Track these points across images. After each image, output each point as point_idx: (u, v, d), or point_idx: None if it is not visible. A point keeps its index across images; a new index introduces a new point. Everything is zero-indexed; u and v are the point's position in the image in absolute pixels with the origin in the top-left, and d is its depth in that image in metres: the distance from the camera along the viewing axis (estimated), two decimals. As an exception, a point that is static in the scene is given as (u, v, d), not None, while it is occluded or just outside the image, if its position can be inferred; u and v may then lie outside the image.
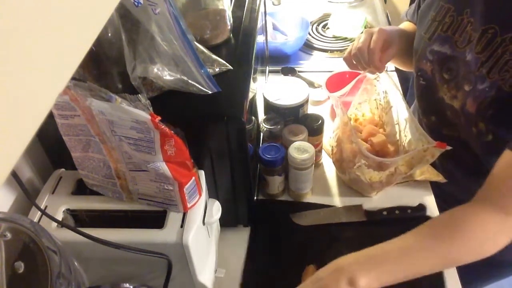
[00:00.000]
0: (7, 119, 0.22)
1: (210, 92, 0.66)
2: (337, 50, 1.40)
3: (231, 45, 0.78)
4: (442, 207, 0.92)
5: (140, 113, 0.54)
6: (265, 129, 0.90)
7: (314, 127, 0.91)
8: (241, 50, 0.77)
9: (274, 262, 0.84)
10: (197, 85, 0.66)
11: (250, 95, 0.72)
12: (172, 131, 0.56)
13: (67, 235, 0.58)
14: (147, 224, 0.65)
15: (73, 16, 0.27)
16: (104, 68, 0.67)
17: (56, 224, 0.64)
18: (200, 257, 0.67)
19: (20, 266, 0.45)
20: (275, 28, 1.39)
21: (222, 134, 0.67)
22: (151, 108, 0.55)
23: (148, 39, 0.62)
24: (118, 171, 0.64)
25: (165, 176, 0.60)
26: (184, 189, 0.62)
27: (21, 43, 0.22)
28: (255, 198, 0.89)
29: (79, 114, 0.59)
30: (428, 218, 0.88)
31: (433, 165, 0.91)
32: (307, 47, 1.42)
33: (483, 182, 0.91)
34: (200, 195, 0.66)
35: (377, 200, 0.92)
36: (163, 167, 0.59)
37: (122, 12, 0.62)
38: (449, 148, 0.78)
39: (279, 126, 0.89)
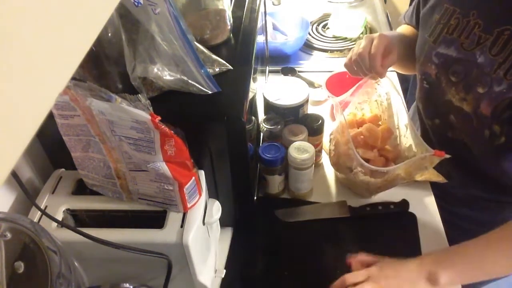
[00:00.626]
0: (7, 119, 0.22)
1: (210, 92, 0.66)
2: (337, 50, 1.40)
3: (231, 45, 0.78)
4: (442, 207, 0.92)
5: (140, 113, 0.54)
6: (265, 129, 0.90)
7: (314, 127, 0.91)
8: (241, 50, 0.77)
9: (260, 257, 0.85)
10: (197, 85, 0.66)
11: (250, 95, 0.71)
12: (172, 131, 0.56)
13: (67, 235, 0.58)
14: (147, 224, 0.65)
15: (73, 16, 0.27)
16: (104, 68, 0.67)
17: (56, 224, 0.64)
18: (200, 257, 0.67)
19: (20, 266, 0.45)
20: (275, 28, 1.39)
21: (222, 134, 0.67)
22: (151, 108, 0.55)
23: (148, 39, 0.62)
24: (118, 171, 0.64)
25: (165, 176, 0.60)
26: (184, 189, 0.62)
27: (21, 43, 0.22)
28: (255, 198, 0.89)
29: (79, 114, 0.59)
30: (411, 214, 0.89)
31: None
32: (307, 47, 1.42)
33: (480, 183, 0.91)
34: (200, 195, 0.66)
35: (373, 199, 0.92)
36: (163, 167, 0.59)
37: (122, 12, 0.62)
38: (447, 156, 0.78)
39: (279, 126, 0.89)
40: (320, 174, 0.99)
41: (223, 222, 0.82)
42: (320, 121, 0.92)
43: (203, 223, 0.67)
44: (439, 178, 0.93)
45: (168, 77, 0.65)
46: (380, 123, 0.96)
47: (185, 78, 0.65)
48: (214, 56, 0.71)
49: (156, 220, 0.66)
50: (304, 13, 1.44)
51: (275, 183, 0.90)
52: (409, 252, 0.75)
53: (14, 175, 0.63)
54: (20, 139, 0.23)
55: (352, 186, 0.93)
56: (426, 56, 0.87)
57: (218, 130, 0.67)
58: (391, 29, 1.50)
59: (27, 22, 0.23)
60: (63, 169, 0.73)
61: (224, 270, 0.79)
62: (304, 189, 0.91)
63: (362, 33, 1.45)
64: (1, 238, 0.46)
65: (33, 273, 0.45)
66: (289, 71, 1.29)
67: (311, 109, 0.99)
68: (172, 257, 0.62)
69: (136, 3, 0.58)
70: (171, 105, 0.67)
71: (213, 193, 0.76)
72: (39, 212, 0.64)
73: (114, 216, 0.68)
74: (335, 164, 0.92)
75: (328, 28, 1.49)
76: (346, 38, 1.44)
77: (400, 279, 0.68)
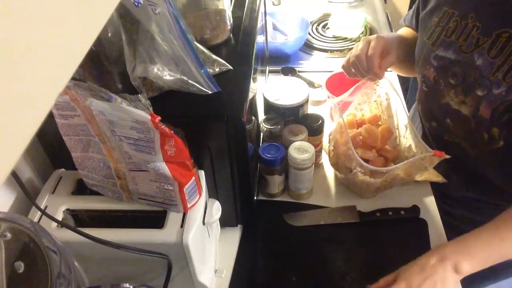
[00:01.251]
0: (7, 119, 0.22)
1: (210, 92, 0.66)
2: (337, 50, 1.40)
3: (231, 45, 0.78)
4: (442, 207, 0.92)
5: (140, 113, 0.54)
6: (265, 129, 0.90)
7: (314, 127, 0.91)
8: (241, 50, 0.77)
9: (267, 262, 0.84)
10: (197, 85, 0.66)
11: (250, 95, 0.72)
12: (172, 131, 0.56)
13: (67, 235, 0.58)
14: (147, 224, 0.65)
15: (73, 16, 0.27)
16: (104, 68, 0.67)
17: (56, 224, 0.64)
18: (200, 257, 0.67)
19: (20, 266, 0.45)
20: (275, 28, 1.39)
21: (222, 134, 0.67)
22: (151, 108, 0.55)
23: (148, 39, 0.62)
24: (118, 171, 0.64)
25: (165, 176, 0.60)
26: (184, 189, 0.62)
27: (21, 43, 0.22)
28: (255, 198, 0.89)
29: (79, 114, 0.59)
30: (421, 220, 0.88)
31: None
32: (307, 47, 1.42)
33: (478, 186, 0.91)
34: (200, 195, 0.66)
35: (374, 201, 0.92)
36: (163, 167, 0.59)
37: (122, 12, 0.62)
38: (447, 156, 0.78)
39: (279, 126, 0.89)
40: (320, 174, 0.99)
41: (223, 223, 0.82)
42: (320, 121, 0.92)
43: (203, 223, 0.67)
44: (438, 178, 0.93)
45: (168, 77, 0.65)
46: (380, 123, 0.96)
47: (185, 78, 0.65)
48: (214, 56, 0.71)
49: (156, 220, 0.66)
50: (304, 13, 1.44)
51: (275, 183, 0.90)
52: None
53: (14, 175, 0.63)
54: (20, 139, 0.23)
55: (352, 186, 0.93)
56: (425, 58, 0.87)
57: (218, 130, 0.67)
58: (391, 29, 1.50)
59: (27, 22, 0.23)
60: (63, 169, 0.73)
61: (224, 270, 0.79)
62: (304, 189, 0.91)
63: (362, 33, 1.45)
64: (1, 238, 0.46)
65: (33, 273, 0.45)
66: (289, 71, 1.29)
67: (311, 109, 0.99)
68: (172, 257, 0.62)
69: (136, 3, 0.58)
70: (171, 105, 0.67)
71: (213, 193, 0.76)
72: (39, 212, 0.64)
73: (114, 216, 0.68)
74: (335, 165, 0.92)
75: (328, 28, 1.49)
76: (346, 38, 1.44)
77: (431, 281, 0.69)
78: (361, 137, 0.90)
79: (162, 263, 0.62)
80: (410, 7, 1.03)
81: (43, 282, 0.44)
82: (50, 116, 0.61)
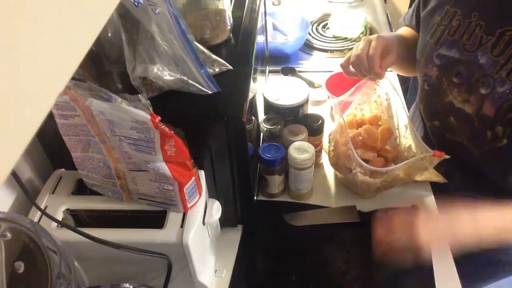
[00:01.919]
0: (7, 119, 0.22)
1: (210, 92, 0.66)
2: (337, 50, 1.40)
3: (231, 45, 0.78)
4: (441, 208, 0.92)
5: (140, 113, 0.54)
6: (265, 129, 0.90)
7: (314, 127, 0.91)
8: (241, 50, 0.77)
9: (267, 262, 0.84)
10: (197, 85, 0.66)
11: (250, 95, 0.71)
12: (172, 131, 0.56)
13: (67, 235, 0.58)
14: (147, 224, 0.65)
15: (73, 16, 0.27)
16: (104, 68, 0.67)
17: (56, 224, 0.64)
18: (200, 257, 0.67)
19: (20, 266, 0.45)
20: (275, 28, 1.39)
21: (222, 134, 0.67)
22: (151, 108, 0.55)
23: (148, 39, 0.62)
24: (118, 171, 0.64)
25: (165, 176, 0.60)
26: (184, 189, 0.62)
27: (21, 43, 0.22)
28: (255, 198, 0.89)
29: (79, 114, 0.59)
30: None
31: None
32: (307, 47, 1.42)
33: (480, 185, 0.91)
34: (200, 195, 0.66)
35: (374, 200, 0.92)
36: (163, 167, 0.59)
37: (122, 12, 0.62)
38: (447, 157, 0.77)
39: (279, 126, 0.89)
40: (320, 174, 0.99)
41: (223, 223, 0.82)
42: (320, 121, 0.92)
43: (203, 223, 0.67)
44: (439, 178, 0.93)
45: (168, 77, 0.65)
46: (380, 123, 0.96)
47: (185, 78, 0.65)
48: (214, 56, 0.71)
49: (156, 220, 0.66)
50: (304, 13, 1.44)
51: (275, 183, 0.90)
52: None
53: (14, 175, 0.63)
54: (20, 139, 0.23)
55: (352, 186, 0.93)
56: (427, 57, 0.87)
57: (218, 130, 0.67)
58: (391, 29, 1.50)
59: (27, 22, 0.23)
60: (63, 169, 0.73)
61: (224, 270, 0.79)
62: (304, 189, 0.91)
63: (362, 33, 1.45)
64: (1, 238, 0.46)
65: (33, 273, 0.45)
66: (289, 71, 1.29)
67: (311, 109, 0.99)
68: (172, 257, 0.62)
69: (136, 3, 0.58)
70: (171, 105, 0.67)
71: (213, 193, 0.76)
72: (39, 212, 0.64)
73: (114, 216, 0.68)
74: (335, 165, 0.92)
75: (328, 28, 1.49)
76: (346, 38, 1.44)
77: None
78: (360, 137, 0.90)
79: (162, 263, 0.62)
80: (410, 7, 1.03)
81: (43, 282, 0.44)
82: (50, 116, 0.61)
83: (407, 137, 0.90)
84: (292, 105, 0.90)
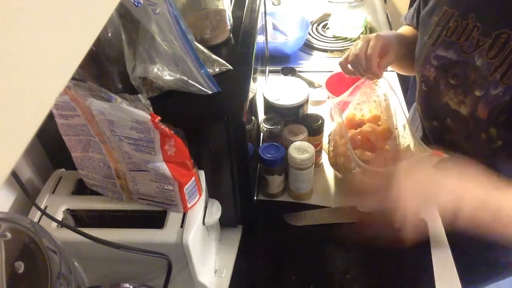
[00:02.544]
0: (7, 119, 0.22)
1: (210, 92, 0.66)
2: (337, 50, 1.40)
3: (231, 45, 0.78)
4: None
5: (140, 113, 0.54)
6: (265, 129, 0.90)
7: (314, 127, 0.91)
8: (241, 50, 0.77)
9: (267, 262, 0.84)
10: (197, 85, 0.66)
11: (250, 95, 0.71)
12: (172, 131, 0.56)
13: (67, 235, 0.58)
14: (147, 224, 0.65)
15: (73, 16, 0.27)
16: (104, 68, 0.67)
17: (56, 224, 0.64)
18: (200, 257, 0.67)
19: (20, 266, 0.45)
20: (275, 28, 1.39)
21: (222, 134, 0.67)
22: (151, 108, 0.55)
23: (148, 39, 0.62)
24: (118, 171, 0.64)
25: (165, 176, 0.60)
26: (184, 189, 0.62)
27: (21, 43, 0.22)
28: (255, 198, 0.89)
29: (79, 114, 0.59)
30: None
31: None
32: (307, 47, 1.42)
33: None
34: (200, 195, 0.66)
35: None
36: (163, 167, 0.59)
37: (122, 12, 0.62)
38: (445, 156, 0.77)
39: (279, 126, 0.89)
40: (320, 174, 0.99)
41: (224, 223, 0.82)
42: (320, 121, 0.92)
43: (203, 223, 0.67)
44: (439, 178, 0.93)
45: (168, 77, 0.65)
46: (379, 123, 0.96)
47: (185, 78, 0.65)
48: (214, 56, 0.71)
49: (156, 220, 0.66)
50: (304, 13, 1.44)
51: (275, 183, 0.90)
52: (419, 257, 0.74)
53: (14, 175, 0.63)
54: (20, 139, 0.23)
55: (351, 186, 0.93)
56: (425, 58, 0.87)
57: (218, 130, 0.67)
58: (391, 29, 1.50)
59: (27, 22, 0.23)
60: (63, 169, 0.73)
61: (224, 270, 0.79)
62: (304, 189, 0.91)
63: (362, 33, 1.45)
64: (1, 238, 0.46)
65: (33, 273, 0.45)
66: (289, 71, 1.29)
67: (311, 109, 0.99)
68: (172, 257, 0.62)
69: (136, 3, 0.58)
70: (171, 105, 0.67)
71: (213, 193, 0.76)
72: (39, 212, 0.64)
73: (114, 216, 0.68)
74: (334, 165, 0.92)
75: (328, 28, 1.49)
76: (346, 38, 1.44)
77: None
78: (359, 137, 0.90)
79: (162, 263, 0.62)
80: (410, 7, 1.03)
81: (43, 282, 0.44)
82: (50, 116, 0.61)
83: (405, 137, 0.90)
84: (292, 105, 0.90)
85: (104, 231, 0.61)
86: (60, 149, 0.65)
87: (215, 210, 0.69)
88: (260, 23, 0.88)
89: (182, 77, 0.65)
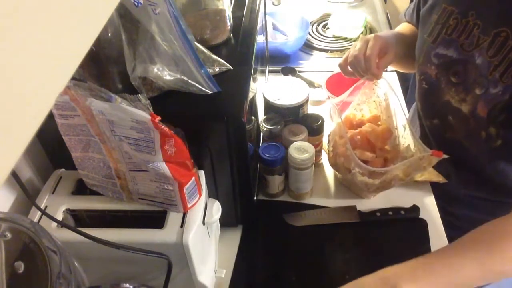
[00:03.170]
0: (7, 119, 0.22)
1: (210, 92, 0.66)
2: (337, 50, 1.40)
3: (231, 45, 0.78)
4: (442, 207, 0.92)
5: (140, 113, 0.54)
6: (265, 129, 0.90)
7: (314, 127, 0.91)
8: (241, 50, 0.76)
9: (267, 262, 0.84)
10: (197, 85, 0.66)
11: (250, 95, 0.71)
12: (172, 131, 0.56)
13: (67, 235, 0.58)
14: (147, 224, 0.65)
15: (73, 16, 0.27)
16: (104, 68, 0.67)
17: (56, 224, 0.64)
18: (200, 257, 0.67)
19: (20, 266, 0.45)
20: (275, 28, 1.39)
21: (222, 134, 0.67)
22: (151, 108, 0.55)
23: (148, 39, 0.62)
24: (118, 171, 0.64)
25: (165, 176, 0.60)
26: (184, 189, 0.62)
27: (21, 43, 0.22)
28: (255, 198, 0.89)
29: (79, 114, 0.59)
30: (421, 220, 0.88)
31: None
32: (307, 47, 1.42)
33: (479, 184, 0.91)
34: (200, 195, 0.66)
35: (374, 201, 0.92)
36: (163, 167, 0.59)
37: (122, 12, 0.62)
38: (445, 156, 0.77)
39: (279, 126, 0.89)
40: (320, 174, 0.99)
41: (224, 223, 0.82)
42: (320, 121, 0.92)
43: (203, 223, 0.67)
44: (439, 178, 0.93)
45: (168, 77, 0.65)
46: (379, 123, 0.96)
47: (185, 78, 0.65)
48: (214, 56, 0.71)
49: (156, 220, 0.66)
50: (304, 13, 1.44)
51: (275, 183, 0.90)
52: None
53: (14, 175, 0.63)
54: (20, 139, 0.23)
55: (351, 186, 0.93)
56: (425, 56, 0.87)
57: (218, 130, 0.67)
58: (391, 29, 1.50)
59: (27, 22, 0.23)
60: (63, 169, 0.73)
61: (224, 270, 0.79)
62: (304, 189, 0.91)
63: (362, 33, 1.45)
64: (1, 238, 0.46)
65: (33, 273, 0.45)
66: (289, 71, 1.29)
67: (311, 109, 0.99)
68: (172, 257, 0.62)
69: (136, 3, 0.58)
70: (171, 105, 0.67)
71: (213, 193, 0.76)
72: (39, 212, 0.64)
73: (114, 216, 0.68)
74: (334, 165, 0.92)
75: (328, 28, 1.49)
76: (346, 38, 1.44)
77: None
78: (359, 137, 0.90)
79: (162, 263, 0.62)
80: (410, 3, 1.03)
81: (43, 282, 0.44)
82: (50, 116, 0.61)
83: (405, 137, 0.90)
84: (292, 105, 0.90)
85: (104, 231, 0.61)
86: (60, 149, 0.65)
87: (215, 210, 0.69)
88: (260, 23, 0.88)
89: (182, 77, 0.65)
